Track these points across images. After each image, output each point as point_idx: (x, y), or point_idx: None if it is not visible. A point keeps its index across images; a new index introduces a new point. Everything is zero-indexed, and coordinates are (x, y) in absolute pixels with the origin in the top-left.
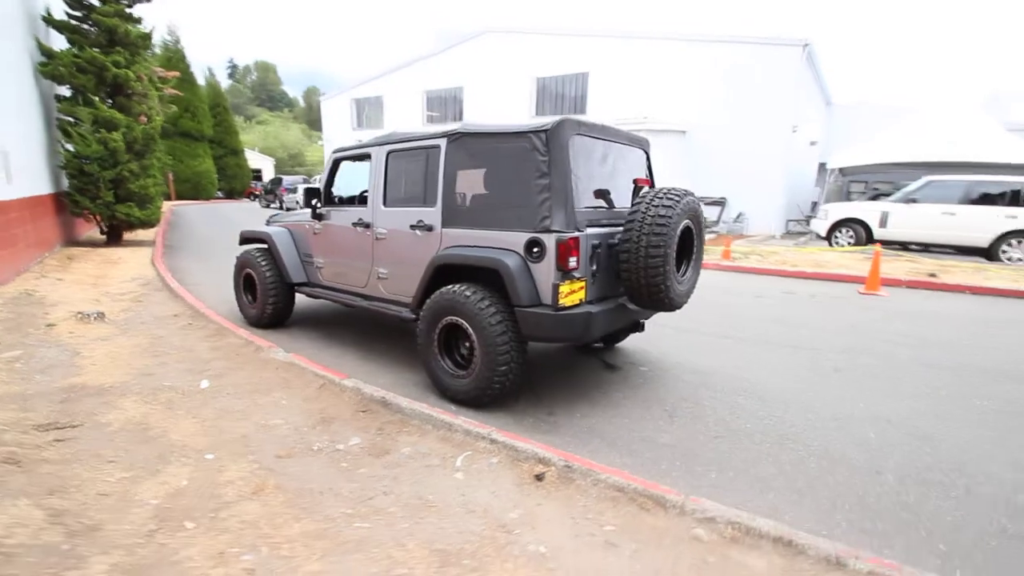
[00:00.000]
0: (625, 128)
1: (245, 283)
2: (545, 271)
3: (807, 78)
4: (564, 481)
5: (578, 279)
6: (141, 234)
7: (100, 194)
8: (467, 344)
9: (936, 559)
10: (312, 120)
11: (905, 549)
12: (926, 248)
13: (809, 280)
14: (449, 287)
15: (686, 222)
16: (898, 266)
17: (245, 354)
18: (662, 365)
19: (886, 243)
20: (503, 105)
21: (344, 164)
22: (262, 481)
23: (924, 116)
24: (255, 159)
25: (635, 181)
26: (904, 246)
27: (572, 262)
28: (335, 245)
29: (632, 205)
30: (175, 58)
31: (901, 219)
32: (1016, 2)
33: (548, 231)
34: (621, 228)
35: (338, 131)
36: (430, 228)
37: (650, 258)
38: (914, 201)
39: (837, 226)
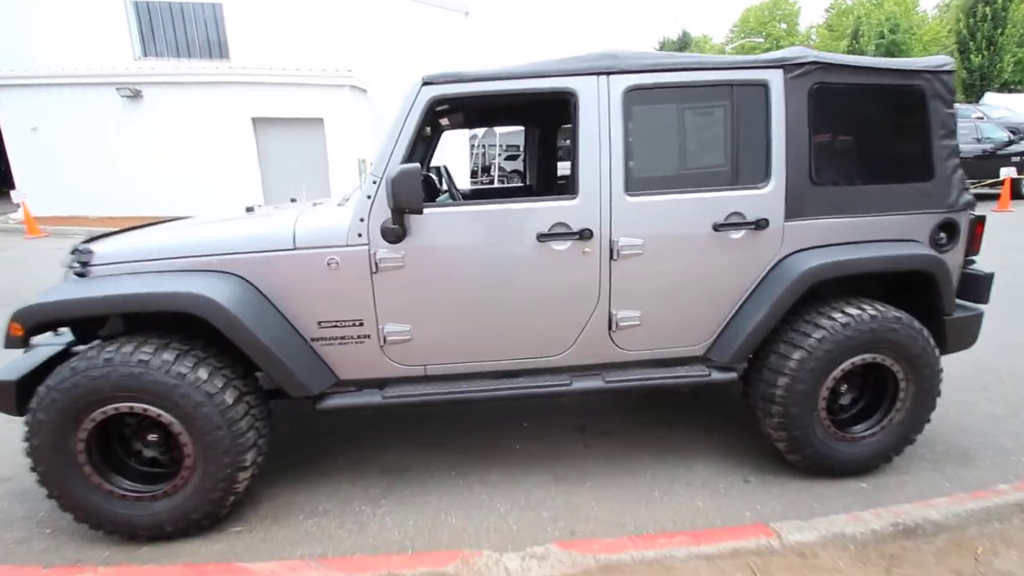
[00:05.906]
0: (325, 84)
1: (100, 445)
2: (952, 262)
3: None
4: None
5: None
6: None
7: None
8: (846, 391)
9: None
10: None
11: None
12: None
13: None
14: (851, 312)
15: None
16: None
17: None
18: None
19: None
20: (79, 34)
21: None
22: None
23: None
24: None
25: None
26: None
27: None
28: (461, 287)
29: None
30: None
31: None
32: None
33: (967, 208)
34: None
35: None
36: (758, 224)
37: None
38: None
39: None
